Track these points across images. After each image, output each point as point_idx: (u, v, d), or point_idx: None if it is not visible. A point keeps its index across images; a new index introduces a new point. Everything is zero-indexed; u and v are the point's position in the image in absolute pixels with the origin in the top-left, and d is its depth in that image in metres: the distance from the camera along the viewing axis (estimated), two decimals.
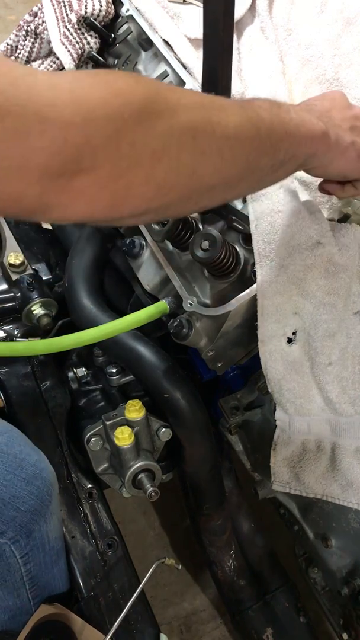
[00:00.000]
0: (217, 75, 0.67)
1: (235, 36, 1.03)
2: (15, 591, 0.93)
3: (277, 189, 0.83)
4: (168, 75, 1.03)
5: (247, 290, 0.83)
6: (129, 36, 1.11)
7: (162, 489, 0.98)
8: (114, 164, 0.43)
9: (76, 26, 1.07)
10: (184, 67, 1.00)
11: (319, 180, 0.81)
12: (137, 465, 0.97)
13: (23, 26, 1.15)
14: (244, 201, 0.87)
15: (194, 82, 0.97)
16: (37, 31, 1.12)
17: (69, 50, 1.05)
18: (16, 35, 1.17)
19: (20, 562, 0.90)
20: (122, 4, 1.12)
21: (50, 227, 1.29)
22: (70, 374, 1.18)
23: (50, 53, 1.12)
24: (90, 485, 1.04)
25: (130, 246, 0.96)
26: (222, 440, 1.18)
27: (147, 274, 0.96)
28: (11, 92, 0.38)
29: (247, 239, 0.86)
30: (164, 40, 1.04)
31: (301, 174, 0.80)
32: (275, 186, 0.83)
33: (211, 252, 0.81)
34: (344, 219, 0.89)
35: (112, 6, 1.11)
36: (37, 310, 1.09)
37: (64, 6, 1.11)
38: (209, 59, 0.67)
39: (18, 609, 0.94)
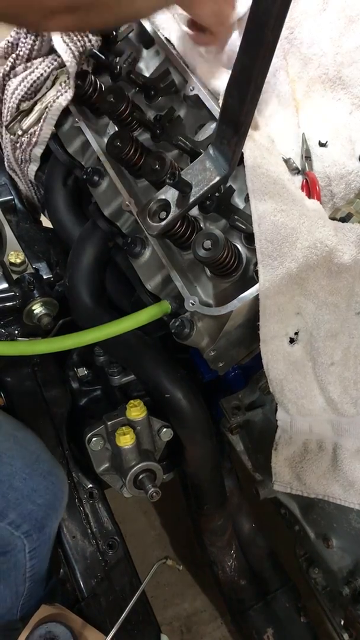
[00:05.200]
0: (251, 73, 0.63)
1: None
2: (15, 587, 0.93)
3: (281, 188, 0.82)
4: (170, 73, 1.03)
5: (249, 290, 0.82)
6: (131, 34, 1.11)
7: (163, 489, 0.98)
8: None
9: None
10: (186, 65, 1.00)
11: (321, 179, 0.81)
12: (138, 466, 0.96)
13: None
14: (247, 200, 0.87)
15: (195, 80, 0.97)
16: None
17: (70, 48, 1.05)
18: (17, 33, 1.16)
19: (27, 556, 0.91)
20: None
21: (50, 226, 1.28)
22: (71, 374, 1.18)
23: (52, 51, 1.11)
24: (91, 485, 1.03)
25: (131, 245, 0.96)
26: (223, 440, 1.18)
27: (149, 273, 0.96)
28: None
29: (249, 239, 0.86)
30: (165, 38, 1.04)
31: None
32: (277, 185, 0.82)
33: (213, 251, 0.80)
34: (347, 218, 0.88)
35: None
36: (38, 309, 1.08)
37: None
38: (245, 56, 0.63)
39: (8, 610, 0.94)
